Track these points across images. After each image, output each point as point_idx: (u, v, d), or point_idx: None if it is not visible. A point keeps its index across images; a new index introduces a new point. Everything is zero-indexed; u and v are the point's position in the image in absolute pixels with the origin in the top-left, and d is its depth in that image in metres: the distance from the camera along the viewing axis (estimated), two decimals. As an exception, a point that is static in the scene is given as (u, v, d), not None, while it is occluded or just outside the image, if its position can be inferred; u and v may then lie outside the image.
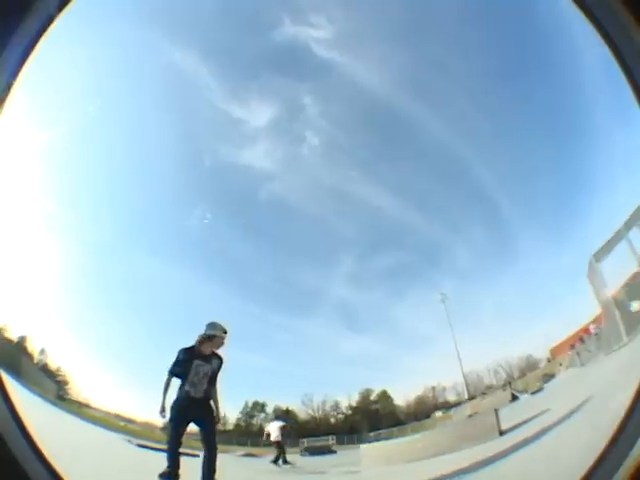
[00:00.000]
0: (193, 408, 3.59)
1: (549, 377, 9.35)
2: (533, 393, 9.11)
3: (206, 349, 3.73)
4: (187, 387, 3.56)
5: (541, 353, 10.37)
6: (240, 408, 12.84)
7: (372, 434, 10.97)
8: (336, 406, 12.86)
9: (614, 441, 0.85)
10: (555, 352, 9.86)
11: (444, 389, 12.13)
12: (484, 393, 11.02)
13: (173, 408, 3.54)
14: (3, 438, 0.86)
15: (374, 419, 11.91)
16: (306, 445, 10.40)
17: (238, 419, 12.76)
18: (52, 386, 8.35)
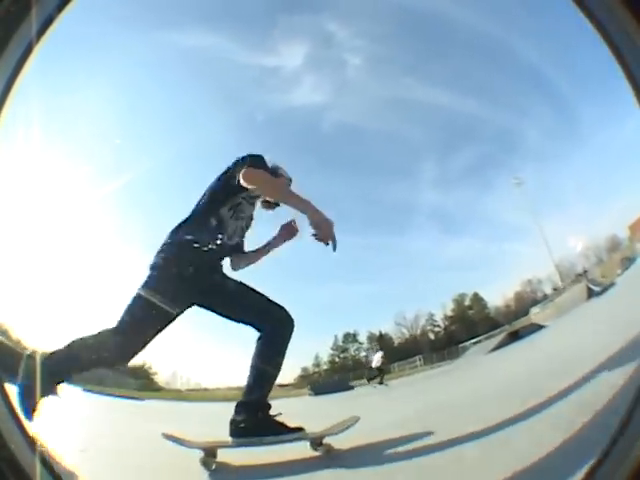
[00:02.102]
0: (211, 269, 1.97)
1: (629, 261, 8.33)
2: (598, 294, 7.84)
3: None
4: (215, 224, 1.97)
5: (624, 232, 9.45)
6: (330, 344, 12.33)
7: (468, 343, 10.19)
8: (430, 319, 12.06)
9: (614, 441, 0.85)
10: (634, 229, 8.82)
11: (539, 281, 11.32)
12: (555, 289, 10.09)
13: (169, 255, 1.88)
14: (3, 438, 0.86)
15: (470, 326, 11.27)
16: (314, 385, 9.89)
17: (332, 355, 12.17)
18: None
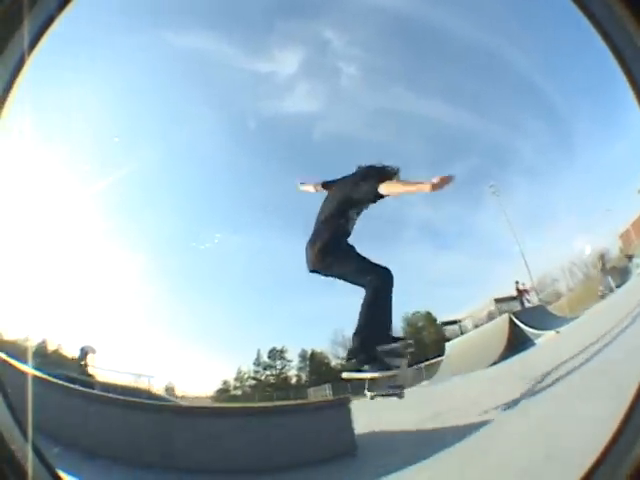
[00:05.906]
0: None
1: (619, 275, 6.67)
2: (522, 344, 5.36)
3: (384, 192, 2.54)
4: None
5: (614, 248, 8.71)
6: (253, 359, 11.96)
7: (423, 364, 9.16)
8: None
9: (614, 441, 0.85)
10: (626, 238, 7.97)
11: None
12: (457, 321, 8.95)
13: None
14: (3, 438, 0.86)
15: (422, 348, 10.40)
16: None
17: (256, 372, 11.78)
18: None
